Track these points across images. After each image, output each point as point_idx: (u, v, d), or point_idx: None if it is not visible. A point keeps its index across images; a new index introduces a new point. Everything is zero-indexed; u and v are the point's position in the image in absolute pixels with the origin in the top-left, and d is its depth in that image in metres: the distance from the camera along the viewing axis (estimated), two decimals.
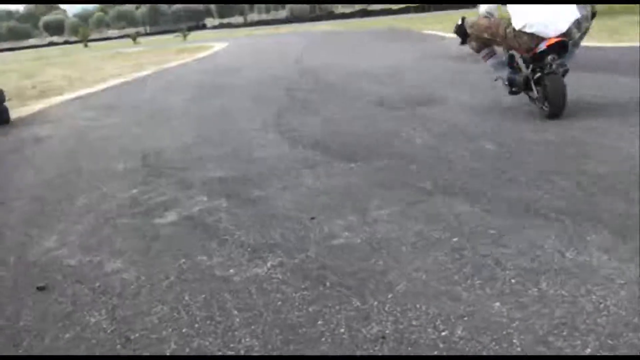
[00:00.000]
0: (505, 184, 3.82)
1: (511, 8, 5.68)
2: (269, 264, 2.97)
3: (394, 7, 53.84)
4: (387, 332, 2.23)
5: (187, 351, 2.27)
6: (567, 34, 5.40)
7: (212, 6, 79.80)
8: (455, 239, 3.02)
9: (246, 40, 31.39)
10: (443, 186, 3.90)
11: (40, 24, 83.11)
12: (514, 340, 2.09)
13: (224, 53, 22.35)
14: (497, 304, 2.35)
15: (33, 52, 43.59)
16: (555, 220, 3.13)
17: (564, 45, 5.36)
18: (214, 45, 27.61)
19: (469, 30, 6.22)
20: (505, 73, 6.11)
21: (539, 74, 5.52)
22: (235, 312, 2.52)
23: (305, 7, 65.33)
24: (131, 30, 61.77)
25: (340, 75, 10.82)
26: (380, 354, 2.11)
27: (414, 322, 2.28)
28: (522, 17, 5.53)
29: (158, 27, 74.96)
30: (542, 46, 5.37)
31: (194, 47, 26.93)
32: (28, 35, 79.13)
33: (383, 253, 2.95)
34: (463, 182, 3.93)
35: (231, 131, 6.62)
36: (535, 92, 5.65)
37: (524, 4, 5.58)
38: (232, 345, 2.27)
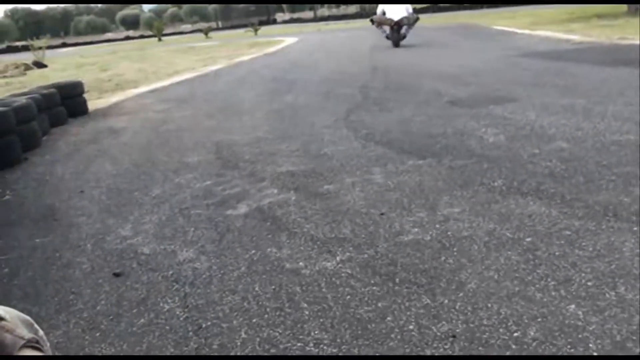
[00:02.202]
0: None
1: (385, 5, 17.12)
2: (338, 258, 3.00)
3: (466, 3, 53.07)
4: (457, 330, 2.22)
5: (257, 341, 2.32)
6: (400, 20, 16.76)
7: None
8: (528, 239, 2.97)
9: (316, 35, 31.49)
10: (516, 185, 3.84)
11: (117, 18, 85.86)
12: (590, 345, 2.04)
13: (294, 48, 22.52)
14: (573, 306, 2.30)
15: (110, 46, 45.12)
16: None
17: (398, 24, 16.71)
18: (284, 39, 27.84)
19: (375, 20, 17.60)
20: (386, 34, 17.41)
21: (395, 33, 16.90)
22: (305, 305, 2.56)
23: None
24: (204, 25, 62.96)
25: (412, 74, 10.75)
26: (448, 354, 2.11)
27: (485, 322, 2.26)
28: (388, 11, 16.89)
29: (230, 21, 76.17)
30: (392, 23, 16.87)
31: (264, 41, 27.23)
32: (105, 30, 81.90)
33: (454, 251, 2.94)
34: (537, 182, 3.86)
35: (302, 126, 6.68)
36: (392, 38, 16.94)
37: (391, 3, 17.09)
38: (301, 337, 2.31)
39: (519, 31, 18.45)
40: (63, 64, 22.31)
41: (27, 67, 20.55)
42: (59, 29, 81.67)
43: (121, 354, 2.36)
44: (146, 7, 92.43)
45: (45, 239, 3.79)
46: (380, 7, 17.27)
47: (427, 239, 3.12)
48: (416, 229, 3.26)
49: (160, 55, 23.79)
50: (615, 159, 4.20)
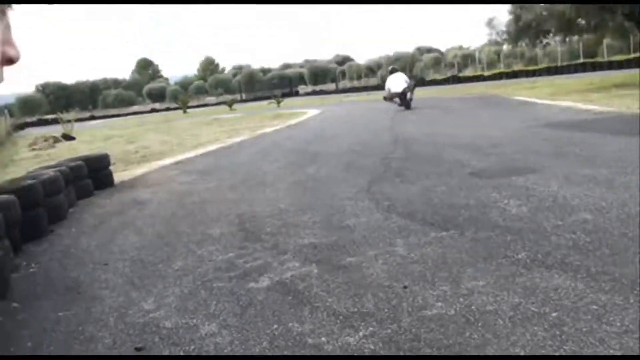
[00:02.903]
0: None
1: (389, 83, 21.70)
2: (360, 333, 2.97)
3: (486, 73, 53.82)
4: None
5: None
6: (403, 90, 20.73)
7: (306, 74, 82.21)
8: (554, 314, 2.93)
9: (338, 107, 32.02)
10: (541, 258, 3.81)
11: (144, 91, 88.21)
12: None
13: (316, 119, 22.88)
14: None
15: (137, 118, 46.18)
16: None
17: (404, 93, 20.68)
18: (306, 111, 28.33)
19: (387, 97, 21.96)
20: (398, 103, 21.04)
21: (404, 101, 20.80)
22: None
23: None
24: (228, 97, 64.38)
25: (432, 144, 10.84)
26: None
27: None
28: (392, 86, 21.35)
29: (253, 93, 77.83)
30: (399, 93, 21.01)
31: (287, 113, 27.73)
32: (132, 102, 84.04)
33: (478, 326, 2.90)
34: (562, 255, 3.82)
35: (324, 198, 6.73)
36: (402, 105, 20.82)
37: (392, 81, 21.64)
38: None
39: (539, 101, 18.59)
40: (91, 137, 22.86)
41: (56, 140, 21.11)
42: (88, 102, 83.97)
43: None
44: (172, 80, 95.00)
45: (69, 312, 3.81)
46: (387, 86, 22.02)
47: (451, 313, 3.09)
48: (440, 303, 3.23)
49: (185, 127, 24.30)
50: None
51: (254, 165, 10.48)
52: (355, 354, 2.14)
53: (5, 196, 5.62)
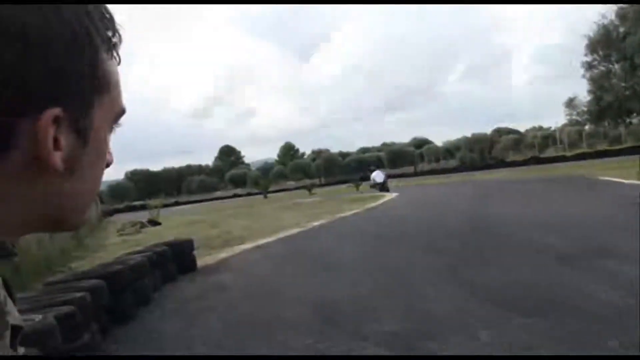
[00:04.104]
0: None
1: (374, 175, 33.01)
2: None
3: (568, 153, 52.66)
4: None
5: None
6: (384, 180, 31.59)
7: (384, 158, 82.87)
8: None
9: (416, 189, 31.92)
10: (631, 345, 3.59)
11: (226, 177, 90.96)
12: None
13: (395, 202, 22.86)
14: None
15: (219, 204, 47.49)
16: None
17: (384, 182, 31.44)
18: (385, 194, 28.36)
19: (372, 185, 32.17)
20: (378, 188, 30.47)
21: (384, 187, 30.45)
22: None
23: (475, 156, 65.96)
24: (307, 182, 65.39)
25: (514, 225, 10.60)
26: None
27: None
28: (376, 178, 32.17)
29: (332, 177, 78.83)
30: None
31: (366, 196, 27.83)
32: (215, 188, 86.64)
33: None
34: None
35: (405, 282, 6.64)
36: (377, 187, 31.50)
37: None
38: None
39: (625, 181, 17.96)
40: (176, 222, 23.59)
41: (143, 226, 21.93)
42: (173, 189, 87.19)
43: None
44: (254, 166, 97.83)
45: None
46: (372, 178, 32.72)
47: None
48: None
49: (266, 212, 24.75)
50: None
51: (333, 249, 10.50)
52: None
53: (95, 280, 5.86)
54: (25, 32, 0.47)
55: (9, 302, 0.57)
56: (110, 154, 0.59)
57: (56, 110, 0.50)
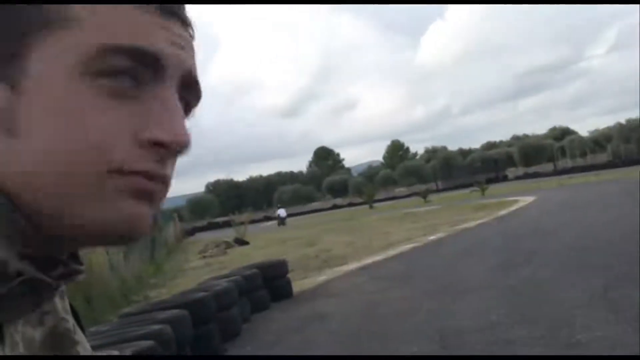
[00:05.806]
0: None
1: (279, 211, 53.33)
2: None
3: None
4: None
5: None
6: (285, 216, 51.69)
7: (515, 154, 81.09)
8: None
9: (557, 192, 30.98)
10: None
11: (324, 185, 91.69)
12: None
13: (530, 209, 22.28)
14: None
15: (316, 217, 48.04)
16: None
17: (283, 218, 50.86)
18: (518, 199, 27.74)
19: (279, 221, 50.34)
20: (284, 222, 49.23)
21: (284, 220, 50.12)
22: None
23: (633, 147, 63.04)
24: (421, 187, 64.92)
25: None
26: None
27: None
28: (281, 213, 51.68)
29: (451, 181, 77.83)
30: None
31: (494, 202, 27.33)
32: (311, 198, 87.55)
33: None
34: None
35: (546, 306, 6.45)
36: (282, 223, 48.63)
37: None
38: None
39: None
40: (266, 240, 24.06)
41: (228, 245, 22.48)
42: (262, 201, 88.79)
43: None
44: (355, 170, 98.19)
45: None
46: (277, 213, 49.62)
47: None
48: None
49: (371, 225, 24.78)
50: None
51: (456, 267, 10.35)
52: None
53: (175, 311, 6.03)
54: None
55: (78, 330, 0.59)
56: (174, 128, 0.50)
57: None
